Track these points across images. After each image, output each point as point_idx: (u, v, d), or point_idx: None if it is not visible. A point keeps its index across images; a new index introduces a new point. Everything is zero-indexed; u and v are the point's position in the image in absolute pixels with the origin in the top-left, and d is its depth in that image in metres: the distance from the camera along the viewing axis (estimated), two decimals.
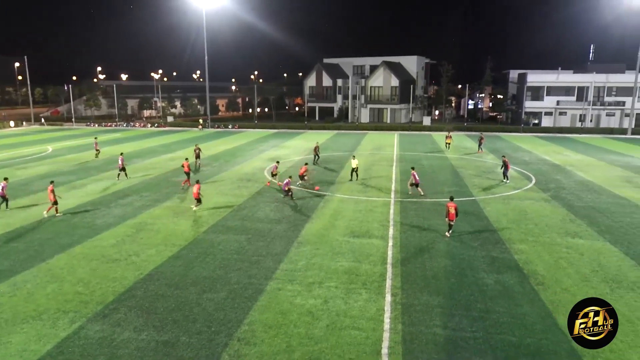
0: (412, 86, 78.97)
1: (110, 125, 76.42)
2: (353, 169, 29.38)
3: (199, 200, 21.85)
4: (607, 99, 69.67)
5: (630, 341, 10.81)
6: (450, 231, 18.34)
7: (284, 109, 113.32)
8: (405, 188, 26.18)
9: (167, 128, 73.24)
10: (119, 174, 29.59)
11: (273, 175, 28.39)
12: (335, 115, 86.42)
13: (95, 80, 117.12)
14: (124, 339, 10.96)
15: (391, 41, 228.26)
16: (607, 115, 69.61)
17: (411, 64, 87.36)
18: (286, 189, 23.61)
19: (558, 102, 70.96)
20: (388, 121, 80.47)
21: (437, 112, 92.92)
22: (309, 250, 16.72)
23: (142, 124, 77.49)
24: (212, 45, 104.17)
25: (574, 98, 70.45)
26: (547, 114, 71.94)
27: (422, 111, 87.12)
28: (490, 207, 22.93)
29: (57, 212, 21.22)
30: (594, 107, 69.30)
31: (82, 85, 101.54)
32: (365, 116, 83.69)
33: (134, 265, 15.38)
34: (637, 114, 65.27)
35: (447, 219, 18.24)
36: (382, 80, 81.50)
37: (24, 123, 77.74)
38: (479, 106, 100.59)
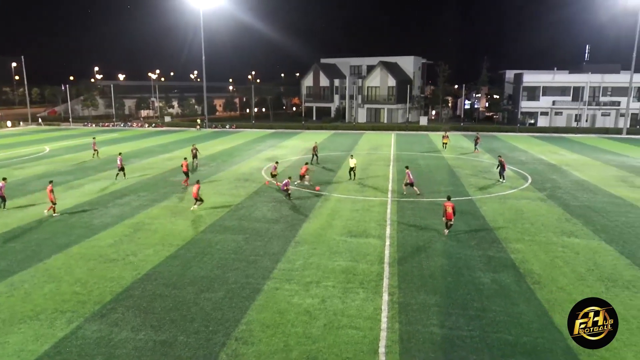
0: (409, 86, 79.09)
1: (107, 126, 76.19)
2: (351, 168, 29.43)
3: (199, 200, 21.86)
4: (602, 99, 70.06)
5: (625, 339, 10.90)
6: (448, 230, 18.45)
7: (282, 109, 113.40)
8: (402, 188, 26.25)
9: (164, 128, 73.12)
10: (117, 174, 29.55)
11: (273, 175, 28.38)
12: (332, 115, 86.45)
13: (92, 80, 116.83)
14: (121, 338, 10.98)
15: (388, 41, 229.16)
16: (602, 115, 69.96)
17: (408, 64, 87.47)
18: (285, 189, 23.65)
19: (554, 102, 71.32)
20: (385, 121, 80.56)
21: (433, 112, 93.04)
22: (307, 250, 16.76)
23: (139, 124, 77.33)
24: (210, 45, 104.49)
25: (569, 98, 70.84)
26: (543, 113, 72.28)
27: (419, 111, 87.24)
28: (487, 206, 23.03)
29: (54, 212, 21.22)
30: (589, 107, 69.67)
31: (79, 85, 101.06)
32: (362, 116, 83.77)
33: (131, 265, 15.40)
34: (632, 113, 65.61)
35: (444, 219, 18.39)
36: (379, 81, 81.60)
37: (21, 123, 77.41)
38: (476, 106, 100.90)
